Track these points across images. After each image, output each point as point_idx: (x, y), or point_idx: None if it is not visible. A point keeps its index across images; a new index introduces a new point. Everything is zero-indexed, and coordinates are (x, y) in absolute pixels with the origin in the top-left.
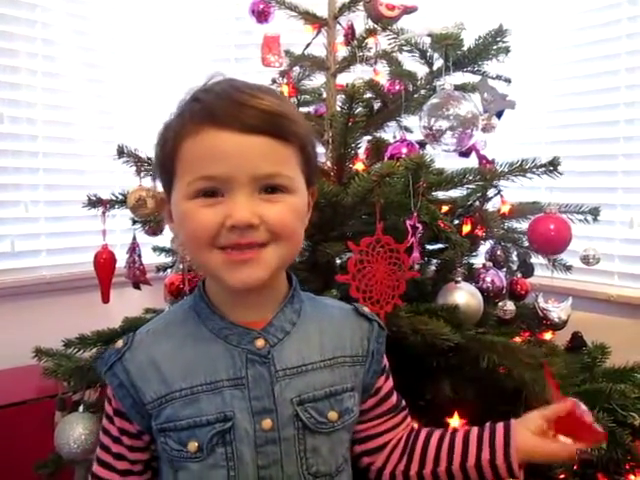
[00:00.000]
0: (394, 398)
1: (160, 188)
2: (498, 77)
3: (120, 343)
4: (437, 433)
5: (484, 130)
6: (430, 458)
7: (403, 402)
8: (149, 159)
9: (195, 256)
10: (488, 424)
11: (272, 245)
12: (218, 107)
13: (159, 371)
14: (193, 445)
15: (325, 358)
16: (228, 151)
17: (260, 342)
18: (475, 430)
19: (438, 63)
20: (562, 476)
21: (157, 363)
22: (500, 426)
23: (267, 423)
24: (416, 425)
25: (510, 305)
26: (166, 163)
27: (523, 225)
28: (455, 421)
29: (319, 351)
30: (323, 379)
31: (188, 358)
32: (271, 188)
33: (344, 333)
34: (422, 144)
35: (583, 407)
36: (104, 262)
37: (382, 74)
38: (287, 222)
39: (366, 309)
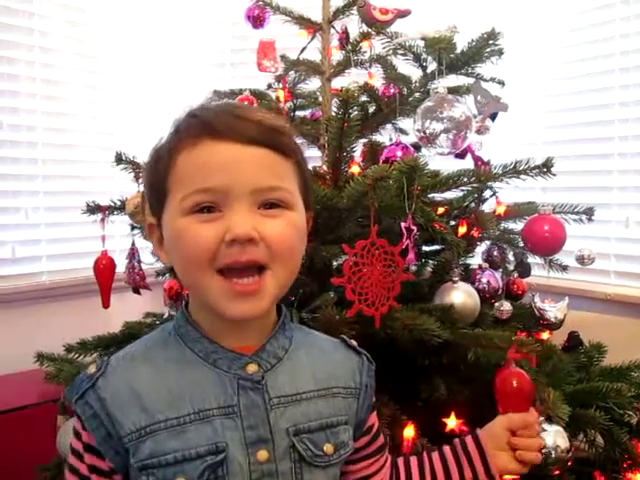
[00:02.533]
0: (381, 437)
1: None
2: (492, 79)
3: (93, 368)
4: (414, 462)
5: (478, 132)
6: None
7: (382, 437)
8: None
9: (192, 280)
10: (457, 442)
11: (271, 269)
12: (216, 120)
13: (139, 399)
14: None
15: (320, 388)
16: (226, 162)
17: (252, 367)
18: (448, 451)
19: (432, 66)
20: (557, 472)
21: (136, 390)
22: (471, 443)
23: (263, 454)
24: (389, 458)
25: (507, 305)
26: (158, 182)
27: (519, 226)
28: (452, 421)
29: (312, 380)
30: (318, 409)
31: (172, 384)
32: (271, 202)
33: (335, 363)
34: (417, 147)
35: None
36: (104, 268)
37: (377, 77)
38: (287, 239)
39: (354, 342)
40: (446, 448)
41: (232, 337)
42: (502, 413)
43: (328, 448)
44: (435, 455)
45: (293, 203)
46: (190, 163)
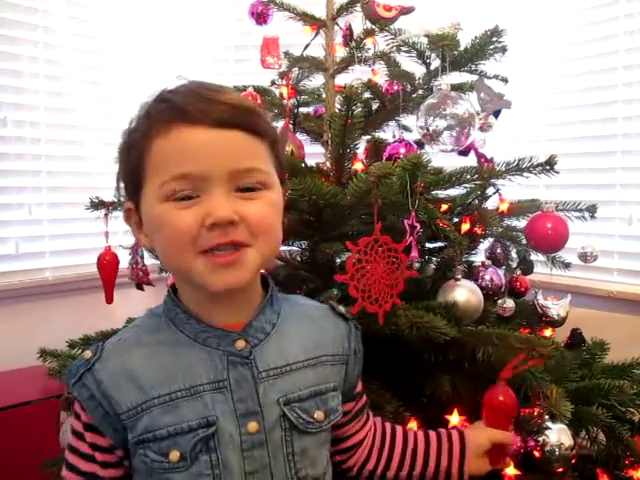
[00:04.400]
0: (364, 397)
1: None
2: (495, 77)
3: (88, 353)
4: (399, 437)
5: (481, 129)
6: (395, 463)
7: (365, 397)
8: None
9: (175, 263)
10: (444, 432)
11: (254, 246)
12: (187, 104)
13: (134, 379)
14: (175, 454)
15: (308, 357)
16: (202, 147)
17: (240, 343)
18: (433, 436)
19: (435, 63)
20: (560, 470)
21: (131, 371)
22: (456, 436)
23: (253, 426)
24: (378, 421)
25: (510, 302)
26: (133, 168)
27: (522, 223)
28: (454, 417)
29: (302, 350)
30: (307, 378)
31: (164, 364)
32: (249, 184)
33: (324, 332)
34: (420, 144)
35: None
36: (107, 263)
37: (380, 74)
38: (267, 219)
39: (342, 308)
40: (432, 432)
41: (220, 314)
42: (486, 424)
43: (319, 415)
44: (420, 434)
45: (270, 182)
46: (165, 149)
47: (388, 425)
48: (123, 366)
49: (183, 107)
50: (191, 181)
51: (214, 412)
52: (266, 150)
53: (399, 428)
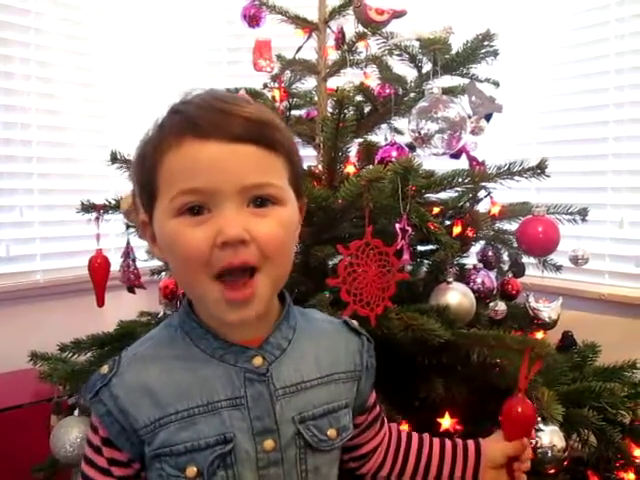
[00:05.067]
0: (378, 407)
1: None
2: (487, 80)
3: (106, 368)
4: (415, 443)
5: (473, 133)
6: (409, 470)
7: (378, 407)
8: None
9: (189, 285)
10: (460, 442)
11: (263, 270)
12: (200, 117)
13: (151, 394)
14: (192, 470)
15: (322, 375)
16: (212, 162)
17: (258, 360)
18: (449, 445)
19: (427, 67)
20: (552, 471)
21: (148, 386)
22: (472, 447)
23: (269, 444)
24: (394, 427)
25: (501, 305)
26: (147, 181)
27: (513, 226)
28: (446, 420)
29: (316, 368)
30: (321, 396)
31: (181, 380)
32: (260, 200)
33: (338, 348)
34: (412, 147)
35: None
36: (98, 267)
37: (372, 77)
38: (278, 239)
39: (355, 323)
40: (448, 441)
41: (236, 331)
42: (505, 438)
43: (331, 433)
44: (436, 442)
45: (283, 198)
46: (176, 163)
47: (404, 431)
48: (140, 381)
49: (195, 120)
50: (201, 195)
51: (232, 429)
52: (282, 164)
53: (415, 435)
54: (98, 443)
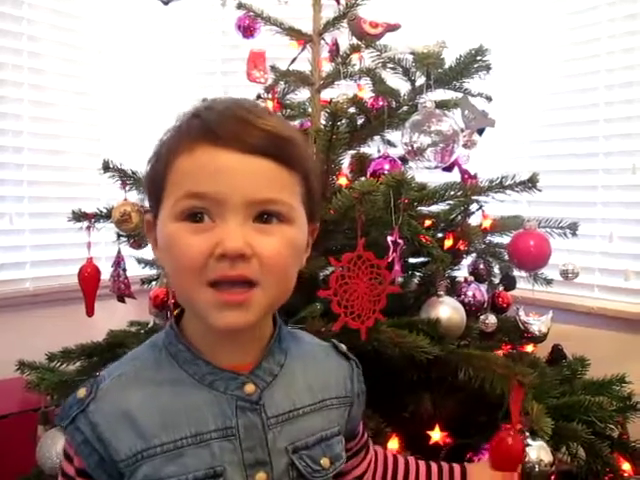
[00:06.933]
0: (365, 434)
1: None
2: (479, 94)
3: (83, 392)
4: (401, 469)
5: (465, 146)
6: None
7: (366, 434)
8: (134, 173)
9: (183, 291)
10: (445, 464)
11: (262, 286)
12: (219, 124)
13: (134, 423)
14: None
15: (315, 401)
16: (222, 169)
17: (250, 387)
18: (435, 468)
19: (420, 80)
20: None
21: (130, 414)
22: (457, 472)
23: (261, 477)
24: (379, 450)
25: (492, 318)
26: (156, 181)
27: (505, 239)
28: (436, 433)
29: (308, 393)
30: (314, 424)
31: (167, 407)
32: (267, 215)
33: (329, 373)
34: (405, 159)
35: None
36: (88, 276)
37: (366, 90)
38: (282, 258)
39: (343, 347)
40: (434, 464)
41: (227, 354)
42: (492, 468)
43: (325, 462)
44: (422, 465)
45: (292, 217)
46: (186, 167)
47: (390, 456)
48: (121, 408)
49: (213, 127)
50: (205, 201)
51: (221, 462)
52: (296, 182)
53: (400, 459)
54: (72, 474)
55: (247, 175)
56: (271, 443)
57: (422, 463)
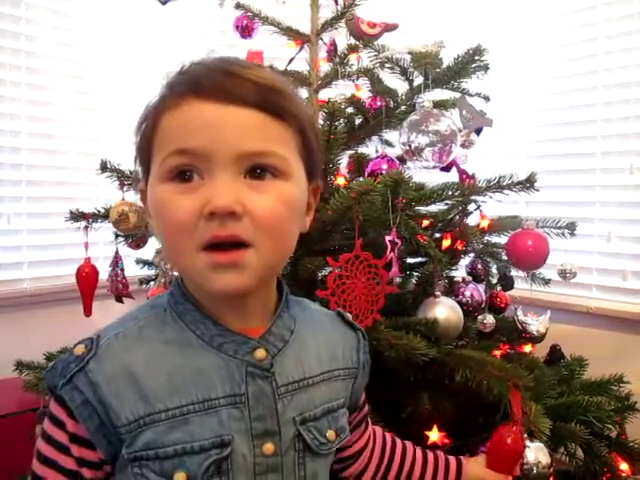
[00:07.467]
0: (366, 407)
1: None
2: (477, 94)
3: (81, 348)
4: (399, 449)
5: (463, 146)
6: (392, 475)
7: (366, 406)
8: (132, 173)
9: (175, 257)
10: (442, 454)
11: (256, 247)
12: (204, 77)
13: (137, 385)
14: (181, 476)
15: (323, 371)
16: (209, 122)
17: (261, 353)
18: (431, 457)
19: (418, 80)
20: None
21: (134, 375)
22: (454, 463)
23: (269, 448)
24: (378, 430)
25: (490, 318)
26: (144, 145)
27: (502, 239)
28: (434, 434)
29: (318, 362)
30: (322, 395)
31: (173, 370)
32: (260, 169)
33: (336, 342)
34: (403, 159)
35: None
36: (86, 276)
37: (363, 90)
38: (277, 216)
39: (349, 316)
40: (430, 453)
41: (235, 317)
42: (488, 465)
43: (330, 434)
44: (419, 451)
45: (288, 172)
46: (172, 124)
47: (388, 436)
48: (124, 367)
49: (199, 80)
50: (192, 158)
51: (229, 431)
52: (290, 135)
53: (398, 441)
54: (64, 441)
55: (235, 127)
56: (281, 413)
57: (418, 449)
